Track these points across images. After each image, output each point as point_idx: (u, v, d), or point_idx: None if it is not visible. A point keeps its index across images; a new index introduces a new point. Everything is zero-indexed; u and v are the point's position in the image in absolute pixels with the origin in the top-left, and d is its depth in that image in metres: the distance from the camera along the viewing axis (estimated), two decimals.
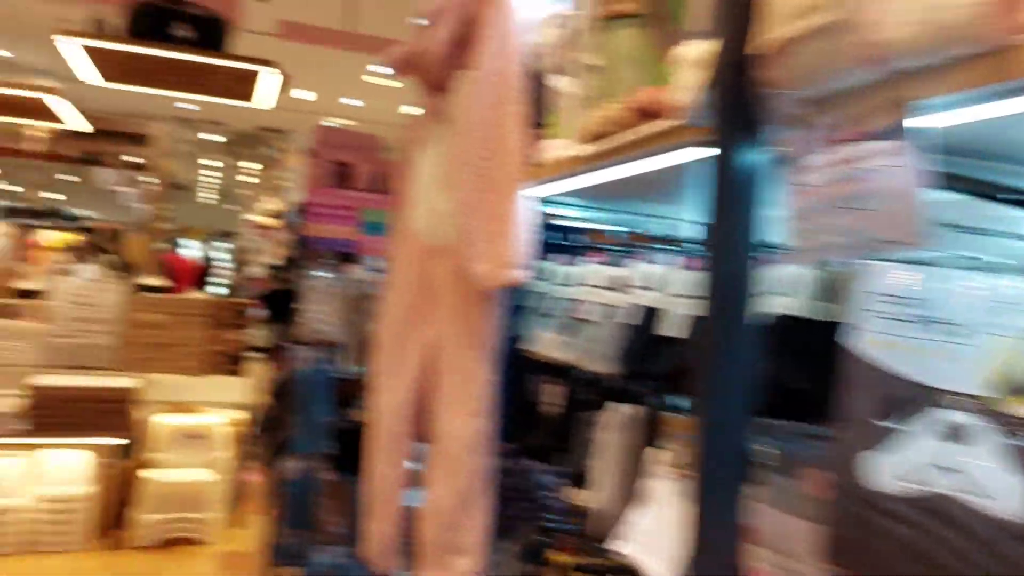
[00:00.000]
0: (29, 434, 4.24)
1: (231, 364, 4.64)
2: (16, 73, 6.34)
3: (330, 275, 3.12)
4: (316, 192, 3.14)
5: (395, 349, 1.58)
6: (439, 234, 1.54)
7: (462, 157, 1.44)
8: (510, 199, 1.38)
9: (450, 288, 1.50)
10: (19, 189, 15.04)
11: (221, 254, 16.83)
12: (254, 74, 4.76)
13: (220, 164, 18.32)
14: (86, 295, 4.58)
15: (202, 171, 18.91)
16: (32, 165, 10.89)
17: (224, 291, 12.85)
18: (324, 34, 6.03)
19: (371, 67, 8.94)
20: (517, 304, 1.52)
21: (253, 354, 4.55)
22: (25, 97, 4.66)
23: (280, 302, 3.47)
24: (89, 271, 6.75)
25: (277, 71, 4.68)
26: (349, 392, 3.06)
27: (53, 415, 4.20)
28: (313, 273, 3.13)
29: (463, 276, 1.45)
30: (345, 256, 3.18)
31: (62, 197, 14.87)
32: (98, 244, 8.50)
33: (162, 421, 4.53)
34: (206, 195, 23.34)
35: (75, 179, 14.69)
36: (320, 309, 3.07)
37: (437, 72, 1.54)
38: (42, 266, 7.32)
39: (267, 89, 5.11)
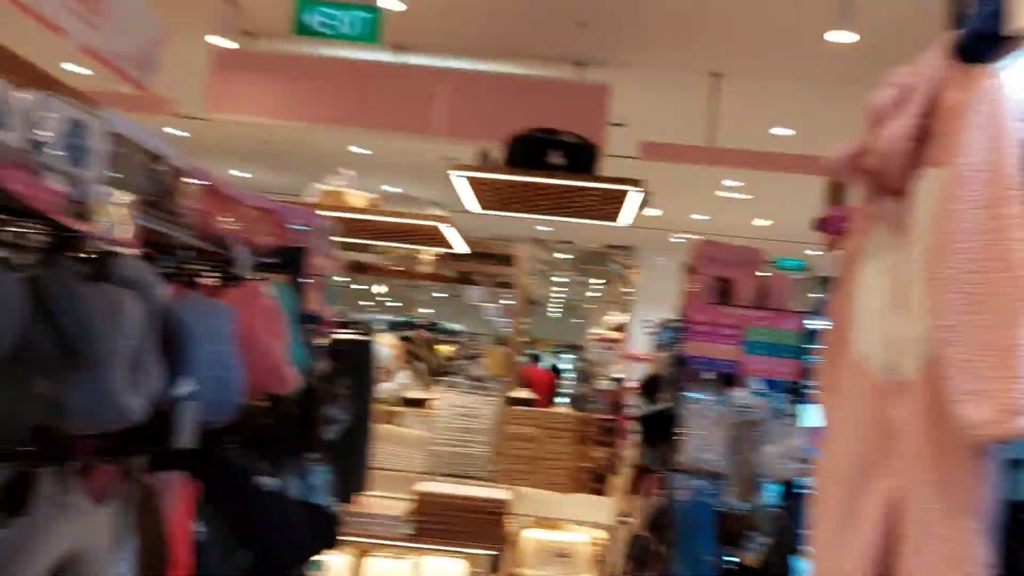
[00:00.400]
0: (412, 539, 4.50)
1: (596, 482, 4.58)
2: (407, 205, 7.24)
3: (711, 398, 2.92)
4: (695, 309, 3.00)
5: (842, 507, 1.31)
6: (900, 366, 1.27)
7: (940, 272, 1.17)
8: (1015, 325, 1.09)
9: (921, 434, 1.21)
10: (399, 304, 17.16)
11: (566, 365, 17.51)
12: (620, 194, 4.87)
13: (567, 280, 19.37)
14: (466, 406, 4.86)
15: (552, 287, 20.13)
16: (413, 284, 12.31)
17: (566, 400, 13.26)
18: (685, 151, 6.06)
19: (727, 181, 8.86)
20: (1017, 458, 1.19)
21: (621, 474, 4.46)
22: (423, 225, 5.21)
23: (654, 423, 3.33)
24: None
25: (642, 191, 4.74)
26: (734, 530, 2.78)
27: (434, 522, 4.42)
28: (692, 395, 2.95)
29: (942, 420, 1.16)
30: (727, 378, 2.97)
31: (432, 311, 16.59)
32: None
33: (530, 535, 4.58)
34: (554, 309, 24.75)
35: (444, 296, 16.36)
36: (700, 434, 2.87)
37: (893, 172, 1.31)
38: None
39: (629, 208, 5.21)
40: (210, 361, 1.85)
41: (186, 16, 5.22)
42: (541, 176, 4.56)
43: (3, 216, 1.44)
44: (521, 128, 4.79)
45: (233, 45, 6.10)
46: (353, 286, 15.02)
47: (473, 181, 4.86)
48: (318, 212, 3.43)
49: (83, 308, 1.42)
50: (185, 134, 8.30)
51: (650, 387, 3.69)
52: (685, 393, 2.97)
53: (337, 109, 5.90)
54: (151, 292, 1.67)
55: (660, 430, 3.15)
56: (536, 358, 14.53)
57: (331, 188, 5.08)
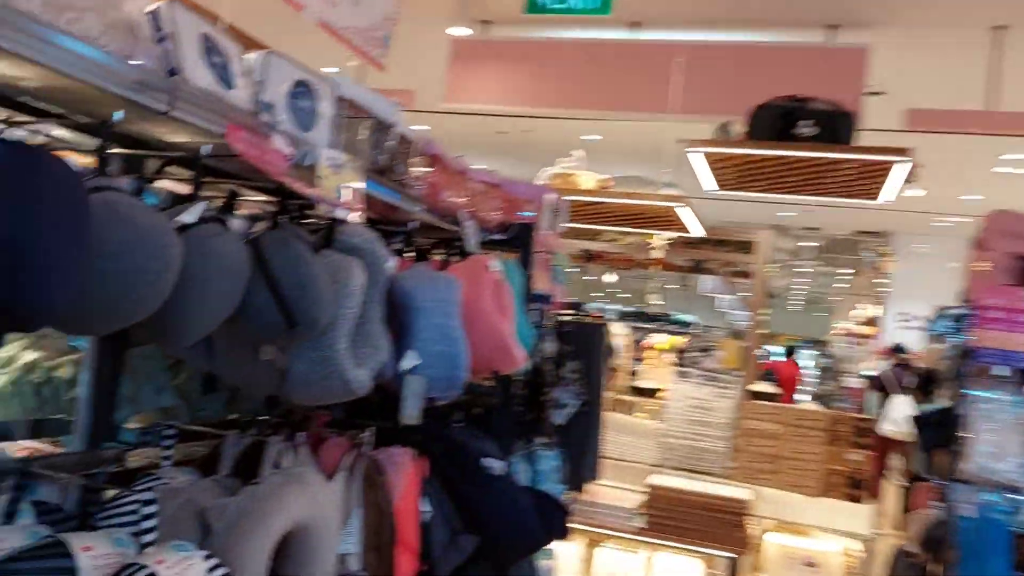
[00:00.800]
0: (644, 532, 4.30)
1: (851, 488, 4.11)
2: (640, 187, 6.97)
3: (1006, 397, 2.45)
4: (986, 292, 2.53)
5: None
6: None
7: None
8: None
9: None
10: (629, 295, 16.89)
11: (806, 361, 16.39)
12: (881, 167, 4.30)
13: (811, 270, 18.09)
14: (701, 398, 4.57)
15: (794, 277, 18.89)
16: (643, 274, 11.99)
17: (807, 398, 12.40)
18: (960, 118, 5.29)
19: (1006, 155, 7.72)
20: None
21: (887, 482, 3.97)
22: (657, 207, 4.96)
23: (930, 425, 2.87)
24: None
25: (910, 160, 4.16)
26: None
27: (668, 517, 4.19)
28: (980, 394, 2.50)
29: None
30: None
31: (662, 302, 16.21)
32: None
33: (774, 540, 4.21)
34: (794, 301, 23.29)
35: (676, 286, 15.89)
36: (991, 440, 2.41)
37: None
38: (655, 366, 7.83)
39: (891, 184, 4.61)
40: (436, 335, 1.76)
41: (422, 6, 5.34)
42: (789, 149, 4.13)
43: (229, 179, 1.42)
44: (767, 98, 4.37)
45: (469, 34, 6.18)
46: (584, 277, 15.05)
47: (711, 158, 4.49)
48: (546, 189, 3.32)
49: (307, 275, 1.36)
50: (424, 128, 8.61)
51: (925, 384, 3.20)
52: (971, 391, 2.52)
53: (574, 94, 5.78)
54: (377, 262, 1.60)
55: (937, 434, 2.71)
56: (791, 351, 13.79)
57: (561, 170, 4.98)
